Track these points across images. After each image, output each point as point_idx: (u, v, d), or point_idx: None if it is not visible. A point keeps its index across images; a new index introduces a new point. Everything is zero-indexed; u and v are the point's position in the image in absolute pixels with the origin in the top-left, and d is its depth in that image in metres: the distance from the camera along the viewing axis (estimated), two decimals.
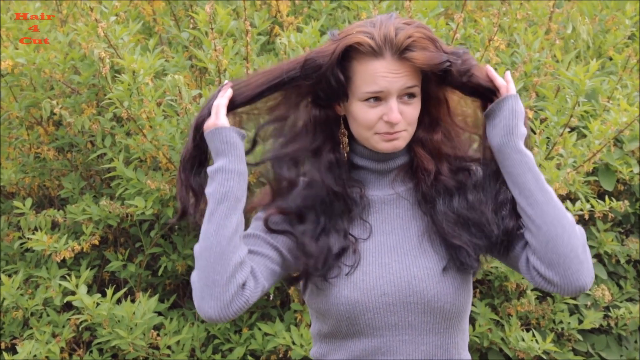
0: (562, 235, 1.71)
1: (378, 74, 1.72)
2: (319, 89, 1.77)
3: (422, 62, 1.71)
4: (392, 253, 1.78)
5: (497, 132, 1.76)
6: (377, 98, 1.74)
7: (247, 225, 1.80)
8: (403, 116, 1.74)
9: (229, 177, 1.72)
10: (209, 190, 1.73)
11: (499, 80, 1.80)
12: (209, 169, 1.74)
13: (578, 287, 1.72)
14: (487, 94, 1.81)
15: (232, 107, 1.79)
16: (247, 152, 1.82)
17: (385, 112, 1.74)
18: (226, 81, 1.82)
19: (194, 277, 1.70)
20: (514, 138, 1.75)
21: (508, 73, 1.81)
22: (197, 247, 1.71)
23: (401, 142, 1.77)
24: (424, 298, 1.75)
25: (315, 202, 1.79)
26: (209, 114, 1.77)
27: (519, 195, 1.75)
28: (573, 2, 3.68)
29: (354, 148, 1.83)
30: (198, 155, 1.79)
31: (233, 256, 1.68)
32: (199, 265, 1.69)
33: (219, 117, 1.76)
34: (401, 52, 1.71)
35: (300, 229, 1.78)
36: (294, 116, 1.82)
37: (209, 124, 1.76)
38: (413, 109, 1.76)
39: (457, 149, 1.83)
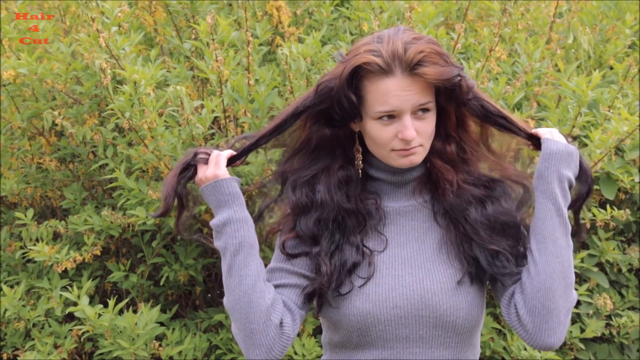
0: (555, 291, 1.71)
1: (390, 93, 1.71)
2: (334, 111, 1.77)
3: (434, 77, 1.70)
4: (406, 265, 1.77)
5: (534, 174, 1.77)
6: (391, 116, 1.73)
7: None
8: (418, 132, 1.74)
9: (239, 227, 1.75)
10: (219, 244, 1.76)
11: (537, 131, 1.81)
12: (214, 223, 1.76)
13: (546, 344, 1.73)
14: (492, 118, 1.80)
15: (237, 157, 1.82)
16: (278, 197, 1.86)
17: (399, 129, 1.73)
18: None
19: (234, 330, 1.76)
20: (543, 182, 1.75)
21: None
22: (226, 302, 1.75)
23: (418, 157, 1.77)
24: (436, 312, 1.74)
25: (327, 222, 1.80)
26: (204, 160, 1.79)
27: (533, 236, 1.75)
28: (574, 12, 3.69)
29: (369, 160, 1.83)
30: (192, 168, 1.81)
31: (262, 301, 1.72)
32: (234, 318, 1.75)
33: (220, 167, 1.78)
34: (412, 68, 1.70)
35: (315, 250, 1.79)
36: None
37: (208, 175, 1.77)
38: (428, 123, 1.75)
39: (471, 164, 1.83)
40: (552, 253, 1.72)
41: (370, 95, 1.73)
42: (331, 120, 1.80)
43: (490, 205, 1.79)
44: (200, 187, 1.79)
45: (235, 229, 1.74)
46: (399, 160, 1.77)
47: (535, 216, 1.76)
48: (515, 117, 1.83)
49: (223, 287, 1.77)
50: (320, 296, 1.78)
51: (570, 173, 1.76)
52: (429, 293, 1.74)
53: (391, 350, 1.76)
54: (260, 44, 3.33)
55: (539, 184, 1.75)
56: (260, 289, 1.73)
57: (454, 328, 1.75)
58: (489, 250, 1.76)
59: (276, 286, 1.79)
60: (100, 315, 3.07)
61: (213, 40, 2.99)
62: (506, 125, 1.81)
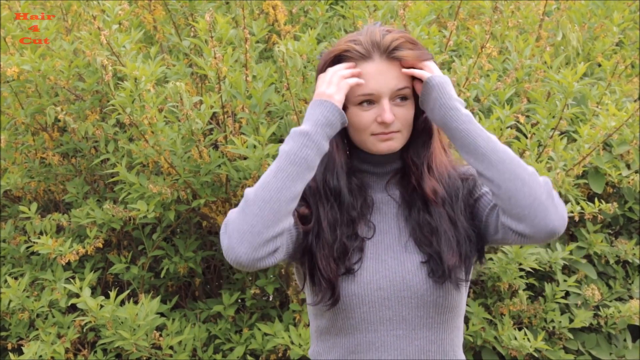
0: (521, 189, 1.72)
1: (369, 76, 1.79)
2: None
3: (411, 58, 1.78)
4: (389, 250, 1.83)
5: (435, 113, 1.77)
6: (370, 101, 1.80)
7: None
8: (397, 117, 1.80)
9: (310, 146, 1.74)
10: (285, 147, 1.74)
11: (417, 73, 1.80)
12: (294, 129, 1.75)
13: (548, 233, 1.72)
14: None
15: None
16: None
17: (378, 113, 1.79)
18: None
19: (234, 217, 1.71)
20: (451, 110, 1.76)
21: (425, 63, 1.81)
22: (251, 192, 1.72)
23: (395, 142, 1.82)
24: (417, 292, 1.79)
25: (338, 199, 1.84)
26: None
27: (474, 161, 1.76)
28: (562, 10, 3.75)
29: (354, 154, 1.89)
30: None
31: (284, 220, 1.71)
32: (249, 210, 1.70)
33: (340, 91, 1.76)
34: (389, 52, 1.78)
35: (322, 213, 1.82)
36: None
37: (325, 93, 1.77)
38: (406, 111, 1.81)
39: (438, 161, 1.88)
40: (497, 160, 1.73)
41: None
42: None
43: (434, 210, 1.84)
44: (314, 100, 1.78)
45: (305, 144, 1.73)
46: (377, 145, 1.82)
47: (463, 144, 1.75)
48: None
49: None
50: (312, 273, 1.80)
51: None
52: (410, 274, 1.80)
53: (375, 333, 1.80)
54: (257, 42, 3.37)
55: (446, 112, 1.74)
56: (289, 210, 1.72)
57: (436, 308, 1.80)
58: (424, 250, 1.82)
59: None
60: (102, 306, 3.10)
61: (211, 37, 3.03)
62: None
